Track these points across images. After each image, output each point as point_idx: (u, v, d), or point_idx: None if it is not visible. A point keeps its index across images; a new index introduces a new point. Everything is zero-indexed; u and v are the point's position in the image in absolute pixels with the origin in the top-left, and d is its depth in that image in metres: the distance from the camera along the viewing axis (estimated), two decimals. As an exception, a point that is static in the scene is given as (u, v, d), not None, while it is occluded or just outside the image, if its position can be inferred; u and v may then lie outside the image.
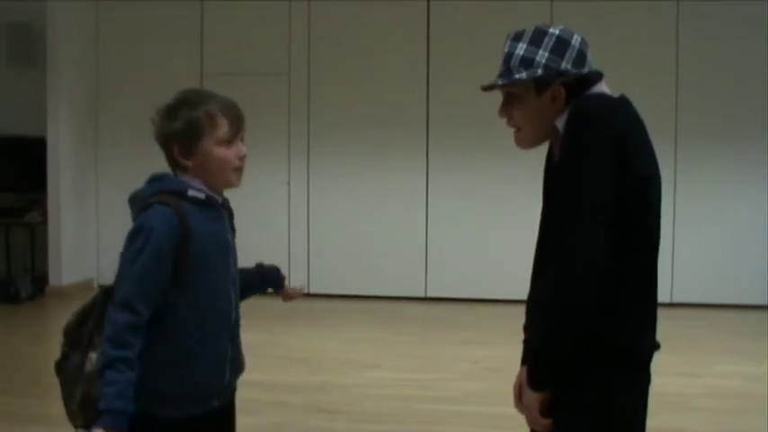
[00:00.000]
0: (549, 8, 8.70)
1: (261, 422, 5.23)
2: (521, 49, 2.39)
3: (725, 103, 8.81)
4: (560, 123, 2.36)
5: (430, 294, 9.38)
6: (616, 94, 2.41)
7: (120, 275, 2.47)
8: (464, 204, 9.23)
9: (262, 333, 7.28)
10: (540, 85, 2.38)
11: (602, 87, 2.42)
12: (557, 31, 2.39)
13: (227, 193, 2.69)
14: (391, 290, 9.38)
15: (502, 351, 6.78)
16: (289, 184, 9.57)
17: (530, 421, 2.41)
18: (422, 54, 9.28)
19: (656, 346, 2.42)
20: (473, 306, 9.03)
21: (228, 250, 2.64)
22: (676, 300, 8.78)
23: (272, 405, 5.65)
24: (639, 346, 2.37)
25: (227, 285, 2.62)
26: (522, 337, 2.62)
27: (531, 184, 9.47)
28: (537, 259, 2.56)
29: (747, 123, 8.79)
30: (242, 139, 2.60)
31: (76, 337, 2.59)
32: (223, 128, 2.53)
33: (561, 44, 2.37)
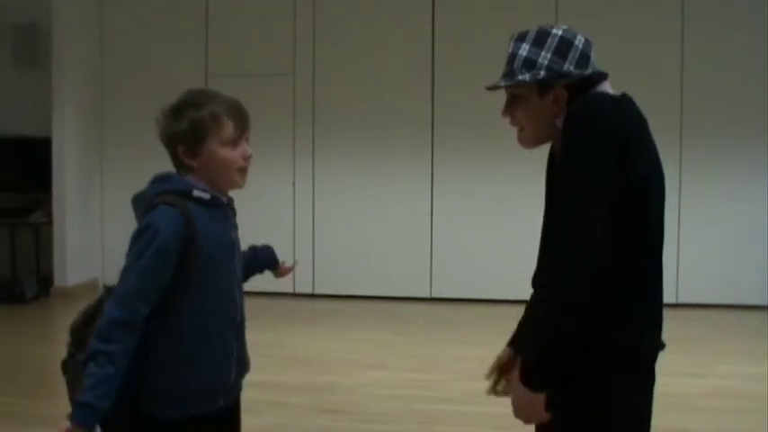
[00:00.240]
0: (555, 8, 8.70)
1: (264, 422, 5.23)
2: (524, 50, 2.40)
3: (730, 103, 8.80)
4: (561, 123, 2.37)
5: (434, 295, 9.38)
6: (618, 94, 2.41)
7: (123, 273, 2.48)
8: (469, 205, 9.23)
9: (266, 333, 7.29)
10: (543, 86, 2.38)
11: (606, 87, 2.42)
12: (560, 32, 2.39)
13: (232, 193, 2.69)
14: (396, 290, 9.38)
15: (506, 351, 6.81)
16: (293, 184, 9.57)
17: (523, 416, 2.38)
18: (426, 54, 9.28)
19: (661, 346, 2.42)
20: (477, 307, 9.03)
21: (234, 251, 2.65)
22: (681, 300, 8.77)
23: (276, 405, 5.66)
24: (642, 345, 2.37)
25: (233, 286, 2.63)
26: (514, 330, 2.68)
27: (536, 185, 9.48)
28: (540, 258, 2.57)
29: (753, 123, 8.78)
30: (247, 140, 2.60)
31: (82, 336, 2.59)
32: (228, 129, 2.53)
33: (564, 45, 2.38)
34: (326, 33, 9.45)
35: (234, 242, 2.65)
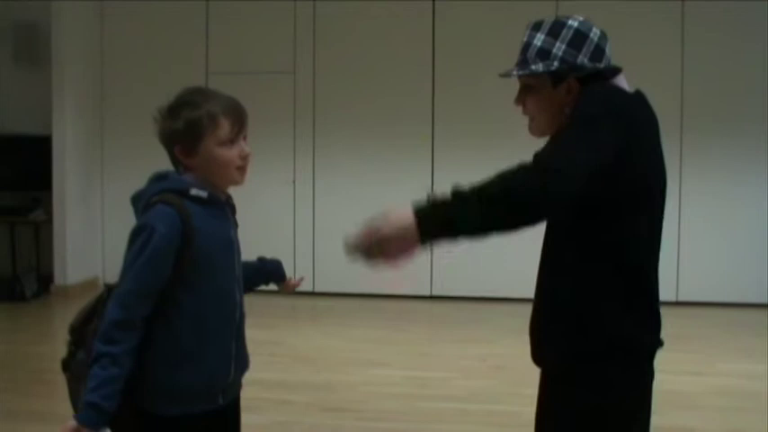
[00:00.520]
0: (555, 7, 8.70)
1: (266, 421, 5.23)
2: (538, 39, 2.39)
3: (730, 101, 8.80)
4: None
5: (435, 293, 9.38)
6: (632, 90, 2.40)
7: (122, 273, 2.48)
8: (469, 203, 9.21)
9: (267, 332, 7.29)
10: (556, 77, 2.38)
11: (621, 81, 2.41)
12: (575, 24, 2.39)
13: (231, 191, 2.69)
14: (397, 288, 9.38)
15: (507, 349, 6.82)
16: (294, 182, 9.57)
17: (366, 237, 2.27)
18: (427, 53, 9.28)
19: (660, 343, 2.41)
20: (478, 304, 9.03)
21: (233, 249, 2.64)
22: (681, 298, 8.78)
23: (278, 404, 5.66)
24: (640, 341, 2.36)
25: (232, 284, 2.62)
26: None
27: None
28: (542, 257, 2.56)
29: (753, 122, 8.77)
30: (245, 138, 2.59)
31: (82, 335, 2.61)
32: (224, 128, 2.52)
33: (579, 37, 2.37)
34: (327, 32, 9.45)
35: (232, 240, 2.65)
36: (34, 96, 9.61)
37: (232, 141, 2.54)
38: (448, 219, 2.19)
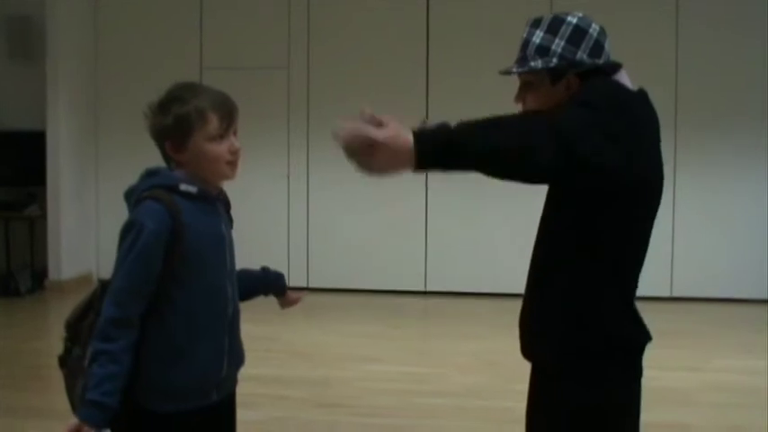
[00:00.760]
0: (549, 2, 8.70)
1: (262, 416, 5.23)
2: (537, 36, 2.39)
3: (725, 95, 8.82)
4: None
5: (430, 288, 9.39)
6: (636, 88, 2.39)
7: (114, 271, 2.49)
8: (464, 198, 9.23)
9: (262, 327, 7.28)
10: (555, 74, 2.38)
11: (622, 77, 2.40)
12: (574, 20, 2.39)
13: (226, 186, 2.68)
14: (391, 284, 9.38)
15: (501, 345, 6.80)
16: (288, 177, 9.56)
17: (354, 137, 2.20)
18: (421, 48, 9.28)
19: (648, 337, 2.41)
20: (473, 300, 9.04)
21: (224, 244, 2.63)
22: (676, 294, 8.80)
23: (274, 399, 5.66)
24: (635, 339, 2.37)
25: (224, 279, 2.62)
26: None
27: (532, 178, 9.33)
28: (536, 252, 2.56)
29: (748, 117, 8.79)
30: (235, 133, 2.58)
31: (77, 331, 2.61)
32: (213, 123, 2.51)
33: (578, 33, 2.37)
34: (321, 27, 9.44)
35: (223, 235, 2.63)
36: (28, 91, 9.59)
37: (221, 136, 2.53)
38: (449, 140, 2.17)
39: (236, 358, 2.71)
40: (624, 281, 2.34)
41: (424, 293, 9.38)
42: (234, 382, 2.75)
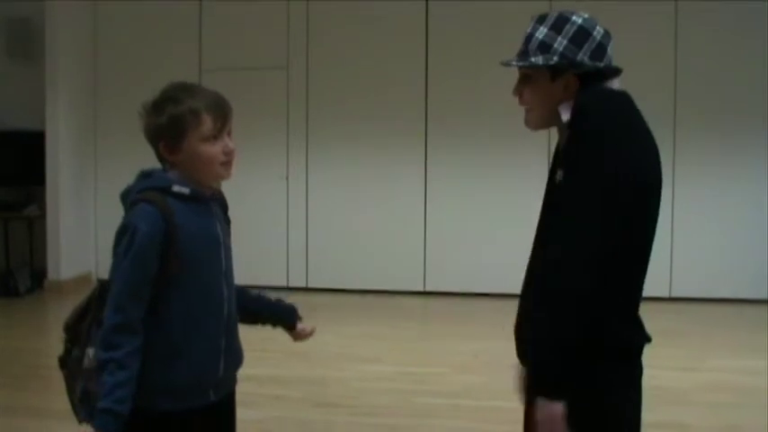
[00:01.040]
0: (549, 3, 8.70)
1: (261, 416, 5.24)
2: (541, 32, 2.40)
3: (724, 97, 8.82)
4: (563, 109, 2.37)
5: (428, 288, 9.39)
6: (622, 90, 2.40)
7: (111, 277, 2.50)
8: (463, 198, 9.24)
9: (260, 328, 7.28)
10: (555, 71, 2.39)
11: (614, 85, 2.41)
12: (579, 20, 2.40)
13: (224, 186, 2.69)
14: (390, 284, 9.38)
15: (500, 345, 6.80)
16: (287, 178, 9.56)
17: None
18: (420, 48, 9.28)
19: (647, 339, 2.42)
20: (471, 300, 9.04)
21: (218, 245, 2.63)
22: (675, 294, 8.80)
23: (272, 399, 5.66)
24: (635, 342, 2.38)
25: (219, 279, 2.62)
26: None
27: (530, 179, 9.48)
28: (534, 257, 2.57)
29: (747, 118, 8.79)
30: (229, 133, 2.58)
31: (76, 332, 2.62)
32: (207, 124, 2.51)
33: (582, 34, 2.38)
34: (320, 27, 9.44)
35: (217, 236, 2.63)
36: (27, 91, 9.60)
37: (215, 137, 2.53)
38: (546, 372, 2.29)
39: (235, 359, 2.71)
40: (623, 284, 2.33)
41: (423, 294, 9.38)
42: (233, 382, 2.76)
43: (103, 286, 2.57)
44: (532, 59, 2.40)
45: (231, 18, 9.59)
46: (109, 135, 9.78)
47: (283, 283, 9.41)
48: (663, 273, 8.73)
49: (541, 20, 2.43)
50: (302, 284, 9.51)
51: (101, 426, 2.40)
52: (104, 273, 2.71)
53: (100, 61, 9.88)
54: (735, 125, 8.83)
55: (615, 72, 2.42)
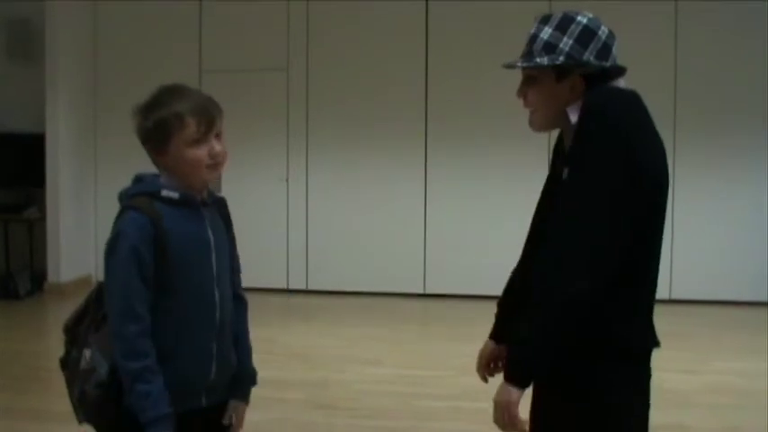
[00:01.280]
0: (548, 3, 8.70)
1: (260, 418, 5.21)
2: (545, 33, 2.39)
3: (724, 98, 8.82)
4: (571, 111, 2.35)
5: (429, 291, 9.39)
6: (630, 89, 2.39)
7: (107, 288, 2.50)
8: (463, 200, 9.24)
9: (261, 329, 7.24)
10: (561, 72, 2.37)
11: (620, 84, 2.40)
12: (584, 20, 2.38)
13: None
14: (390, 286, 9.38)
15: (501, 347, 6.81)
16: (287, 180, 9.56)
17: (502, 420, 2.39)
18: (420, 50, 9.28)
19: (656, 344, 2.41)
20: (472, 303, 9.03)
21: (208, 249, 2.61)
22: (675, 296, 8.79)
23: (272, 401, 5.65)
24: (637, 343, 2.36)
25: (210, 284, 2.60)
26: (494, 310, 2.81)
27: (530, 181, 9.46)
28: (527, 251, 2.57)
29: (747, 118, 8.79)
30: (218, 136, 2.56)
31: (75, 334, 2.62)
32: (190, 128, 2.50)
33: (587, 34, 2.36)
34: (320, 29, 9.44)
35: (208, 241, 2.61)
36: (28, 93, 9.60)
37: (199, 141, 2.51)
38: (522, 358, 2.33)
39: (227, 366, 2.69)
40: (635, 284, 2.33)
41: (423, 296, 9.37)
42: (226, 392, 2.74)
43: (101, 288, 2.57)
44: (537, 60, 2.38)
45: (231, 19, 9.59)
46: (109, 136, 9.77)
47: (283, 285, 9.41)
48: (663, 275, 8.57)
49: (545, 20, 2.42)
50: (302, 287, 9.51)
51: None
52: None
53: (100, 62, 9.88)
54: (735, 125, 8.83)
55: (620, 71, 2.41)
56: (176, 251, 2.49)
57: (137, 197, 2.52)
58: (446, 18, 9.21)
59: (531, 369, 2.30)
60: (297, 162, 9.54)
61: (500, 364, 2.76)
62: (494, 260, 8.99)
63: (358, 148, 9.41)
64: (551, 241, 2.30)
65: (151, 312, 2.48)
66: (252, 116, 9.15)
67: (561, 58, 2.35)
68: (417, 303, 9.24)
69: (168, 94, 2.56)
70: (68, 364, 2.62)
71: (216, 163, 2.55)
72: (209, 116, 2.53)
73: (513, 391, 2.31)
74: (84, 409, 2.56)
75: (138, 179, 2.61)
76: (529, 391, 2.43)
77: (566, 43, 2.35)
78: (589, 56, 2.35)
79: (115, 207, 2.59)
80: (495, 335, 2.84)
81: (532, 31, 2.43)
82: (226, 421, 2.73)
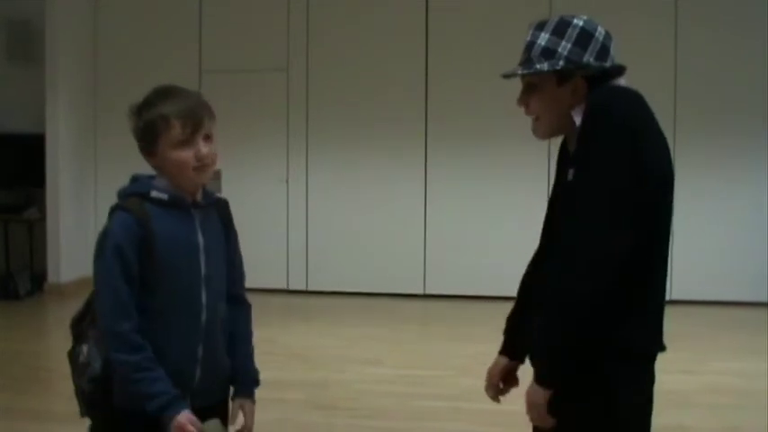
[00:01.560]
0: (548, 4, 8.70)
1: (261, 418, 5.17)
2: (543, 39, 2.38)
3: (724, 98, 8.83)
4: (576, 114, 2.35)
5: (429, 291, 9.39)
6: (632, 88, 2.39)
7: (96, 287, 2.53)
8: (463, 201, 9.24)
9: (261, 330, 7.23)
10: (562, 76, 2.36)
11: (621, 83, 2.40)
12: (581, 23, 2.38)
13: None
14: (390, 287, 9.38)
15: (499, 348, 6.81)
16: (287, 181, 9.56)
17: (535, 419, 2.38)
18: (420, 50, 9.28)
19: (662, 348, 2.41)
20: (472, 303, 9.04)
21: (197, 251, 2.59)
22: (675, 297, 8.78)
23: (272, 401, 5.62)
24: (637, 343, 2.36)
25: (198, 286, 2.59)
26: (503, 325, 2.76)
27: (531, 181, 9.49)
28: (539, 255, 2.56)
29: (747, 118, 8.79)
30: (207, 137, 2.55)
31: (79, 331, 2.65)
32: (175, 130, 2.50)
33: (585, 36, 2.36)
34: (320, 29, 9.45)
35: (197, 242, 2.59)
36: (28, 94, 9.60)
37: (185, 143, 2.51)
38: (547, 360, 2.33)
39: (216, 369, 2.67)
40: (640, 286, 2.33)
41: (423, 296, 9.37)
42: (219, 394, 2.72)
43: None
44: (537, 66, 2.37)
45: (231, 19, 9.59)
46: (109, 136, 9.76)
47: (283, 285, 9.40)
48: (663, 274, 8.71)
49: (541, 26, 2.41)
50: (302, 287, 9.50)
51: (176, 411, 2.44)
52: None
53: (100, 63, 9.88)
54: (735, 125, 8.83)
55: (620, 71, 2.41)
56: (163, 252, 2.50)
57: (129, 197, 2.54)
58: (446, 18, 9.21)
59: (554, 368, 2.31)
60: (297, 162, 9.54)
61: (513, 382, 2.73)
62: (494, 260, 9.02)
63: (358, 148, 9.41)
64: (564, 243, 2.29)
65: (140, 312, 2.49)
66: (252, 116, 9.15)
67: (561, 63, 2.35)
68: (417, 303, 9.24)
69: (158, 95, 2.58)
70: (72, 358, 2.64)
71: (203, 165, 2.54)
72: (195, 118, 2.52)
73: (541, 391, 2.32)
74: (81, 402, 2.61)
75: (134, 179, 2.63)
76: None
77: (564, 47, 2.35)
78: (589, 57, 2.35)
79: (115, 207, 2.60)
80: (507, 350, 2.80)
81: (528, 38, 2.42)
82: (231, 421, 2.72)
